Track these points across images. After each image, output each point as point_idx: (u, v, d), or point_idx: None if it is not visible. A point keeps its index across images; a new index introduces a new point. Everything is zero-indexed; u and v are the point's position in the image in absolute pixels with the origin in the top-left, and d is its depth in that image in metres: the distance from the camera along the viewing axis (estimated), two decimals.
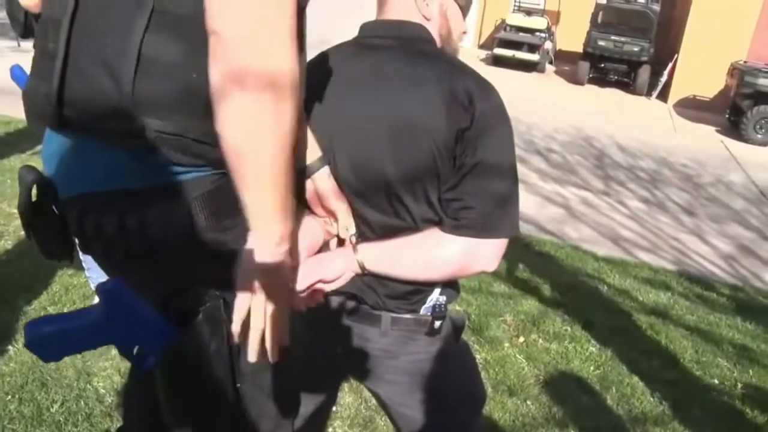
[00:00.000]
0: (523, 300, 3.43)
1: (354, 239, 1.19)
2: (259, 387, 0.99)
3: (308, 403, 1.41)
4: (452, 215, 1.14)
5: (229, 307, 0.90)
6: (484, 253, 1.16)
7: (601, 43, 12.57)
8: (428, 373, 1.29)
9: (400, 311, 1.25)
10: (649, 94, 12.73)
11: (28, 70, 1.01)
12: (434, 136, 1.11)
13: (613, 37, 12.51)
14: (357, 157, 1.16)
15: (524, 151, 7.23)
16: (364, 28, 1.25)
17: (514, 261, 3.96)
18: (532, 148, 7.58)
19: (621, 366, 2.88)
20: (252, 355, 0.89)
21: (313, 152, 1.13)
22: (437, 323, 1.26)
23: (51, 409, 2.10)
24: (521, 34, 13.43)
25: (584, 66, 12.88)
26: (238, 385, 0.95)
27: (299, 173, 1.11)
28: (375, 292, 1.23)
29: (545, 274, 3.89)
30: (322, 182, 1.14)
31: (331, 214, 1.18)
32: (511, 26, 13.58)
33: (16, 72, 1.24)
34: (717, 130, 10.51)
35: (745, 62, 10.71)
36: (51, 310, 2.60)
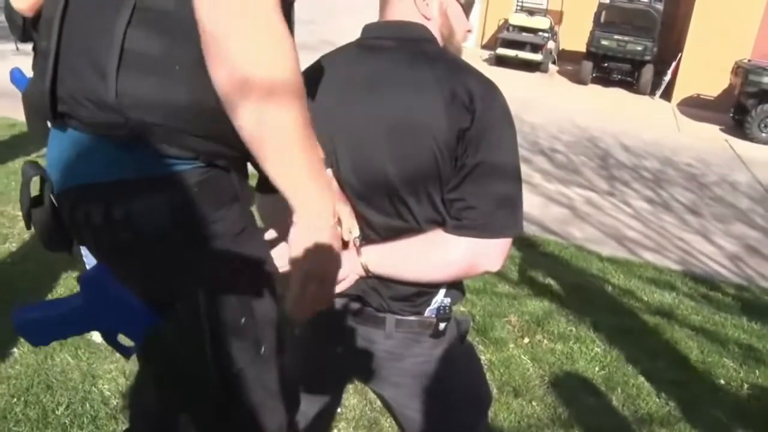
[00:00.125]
0: (527, 300, 3.42)
1: (357, 242, 1.19)
2: (261, 385, 0.99)
3: (312, 405, 1.41)
4: (455, 216, 1.14)
5: (210, 297, 0.92)
6: (488, 254, 1.16)
7: (605, 42, 12.54)
8: (433, 375, 1.29)
9: (404, 313, 1.24)
10: (652, 93, 12.70)
11: (27, 73, 1.02)
12: (435, 136, 1.10)
13: (616, 37, 12.48)
14: (359, 159, 1.16)
15: (528, 152, 7.23)
16: (367, 29, 1.25)
17: (518, 261, 3.95)
18: (536, 149, 7.57)
19: (626, 366, 2.87)
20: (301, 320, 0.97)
21: None
22: (442, 325, 1.26)
23: (56, 412, 2.10)
24: (524, 33, 13.41)
25: (587, 65, 12.85)
26: (235, 371, 0.95)
27: None
28: (379, 294, 1.23)
29: (550, 274, 3.88)
30: None
31: None
32: (514, 26, 13.57)
33: (15, 75, 1.24)
34: (721, 129, 10.49)
35: (749, 61, 10.67)
36: None
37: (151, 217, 0.88)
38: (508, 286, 3.58)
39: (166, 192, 0.88)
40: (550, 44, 13.48)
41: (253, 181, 1.07)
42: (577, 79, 13.06)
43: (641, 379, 2.77)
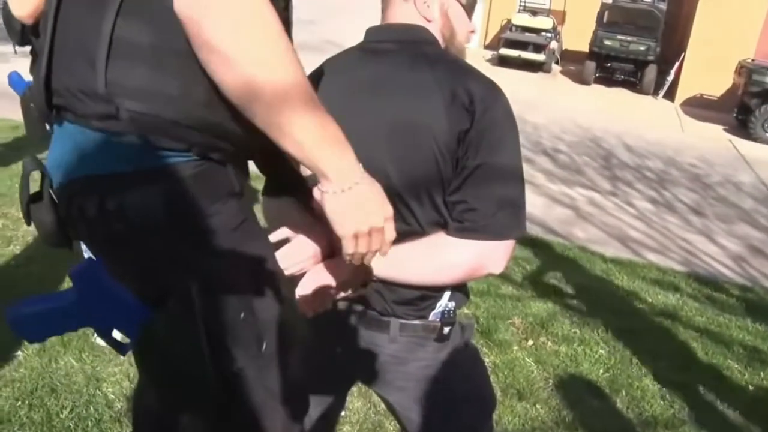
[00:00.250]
0: (531, 302, 3.42)
1: None
2: (262, 385, 0.99)
3: (316, 408, 1.40)
4: (457, 218, 1.14)
5: (206, 293, 0.90)
6: (491, 256, 1.16)
7: (608, 42, 12.53)
8: (437, 380, 1.29)
9: (408, 317, 1.24)
10: (656, 93, 12.69)
11: (26, 76, 1.03)
12: (436, 137, 1.10)
13: (619, 37, 12.47)
14: (361, 162, 1.16)
15: (531, 152, 7.22)
16: (369, 32, 1.25)
17: (521, 263, 3.95)
18: (539, 149, 7.57)
19: (630, 368, 2.86)
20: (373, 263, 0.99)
21: None
22: (446, 329, 1.26)
23: (61, 415, 2.10)
24: (527, 34, 13.40)
25: (590, 66, 12.84)
26: (236, 369, 0.94)
27: (306, 180, 1.11)
28: (383, 298, 1.23)
29: (553, 275, 3.88)
30: None
31: None
32: (517, 26, 13.56)
33: (13, 78, 1.24)
34: (725, 129, 10.47)
35: (752, 60, 10.66)
36: None
37: (144, 209, 0.87)
38: (512, 288, 3.58)
39: (159, 184, 0.88)
40: (553, 44, 13.46)
41: (255, 183, 1.07)
42: (580, 79, 13.04)
43: (646, 381, 2.77)
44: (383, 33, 1.24)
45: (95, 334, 2.48)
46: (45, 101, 0.90)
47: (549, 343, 3.00)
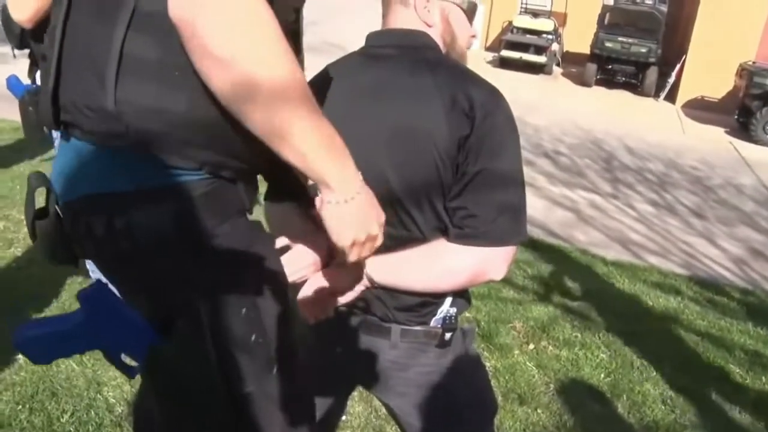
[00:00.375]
0: (532, 306, 3.42)
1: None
2: (272, 405, 0.98)
3: (317, 412, 1.40)
4: (457, 224, 1.14)
5: (216, 314, 0.89)
6: (492, 262, 1.16)
7: (609, 44, 12.52)
8: (438, 385, 1.29)
9: (410, 323, 1.24)
10: (657, 95, 12.67)
11: (24, 80, 1.02)
12: (436, 143, 1.10)
13: (620, 39, 12.46)
14: (362, 168, 1.15)
15: (532, 154, 7.21)
16: (369, 37, 1.25)
17: (523, 266, 3.94)
18: (540, 151, 7.56)
19: (632, 373, 2.86)
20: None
21: None
22: (448, 335, 1.26)
23: (61, 419, 2.10)
24: (528, 36, 13.39)
25: (591, 68, 12.83)
26: (246, 391, 0.93)
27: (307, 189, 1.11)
28: (384, 304, 1.23)
29: (554, 279, 3.87)
30: None
31: None
32: (518, 28, 13.55)
33: (12, 81, 1.24)
34: (726, 132, 10.47)
35: (753, 63, 10.66)
36: None
37: (153, 228, 0.86)
38: (513, 292, 3.57)
39: (168, 203, 0.86)
40: (554, 46, 13.45)
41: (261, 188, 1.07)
42: (581, 81, 13.03)
43: (647, 385, 2.76)
44: (384, 38, 1.24)
45: None
46: (53, 117, 0.88)
47: (550, 347, 2.99)
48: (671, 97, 12.51)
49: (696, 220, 5.92)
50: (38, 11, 0.96)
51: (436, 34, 1.22)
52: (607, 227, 5.33)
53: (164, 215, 0.87)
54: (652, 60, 12.50)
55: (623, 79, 13.06)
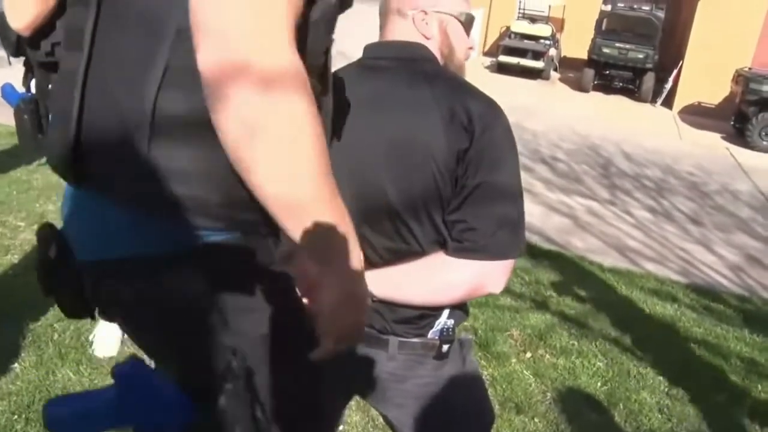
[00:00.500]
0: (529, 313, 3.42)
1: None
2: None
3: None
4: (456, 237, 1.14)
5: (252, 382, 0.84)
6: (490, 276, 1.16)
7: (606, 50, 12.57)
8: (436, 397, 1.29)
9: (407, 335, 1.24)
10: (653, 101, 12.73)
11: (19, 87, 1.00)
12: (434, 156, 1.11)
13: (617, 44, 12.52)
14: (360, 180, 1.16)
15: (529, 160, 7.22)
16: (367, 49, 1.26)
17: (519, 273, 3.94)
18: (537, 157, 7.57)
19: (628, 381, 2.86)
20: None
21: None
22: (445, 347, 1.26)
23: None
24: (526, 41, 13.44)
25: (589, 73, 12.88)
26: None
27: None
28: (382, 316, 1.23)
29: (551, 286, 3.87)
30: None
31: None
32: (516, 33, 13.61)
33: (6, 90, 1.23)
34: (722, 137, 10.51)
35: (749, 69, 10.70)
36: (57, 327, 2.60)
37: (183, 294, 0.81)
38: (510, 299, 3.57)
39: (198, 267, 0.81)
40: (552, 52, 13.51)
41: None
42: (579, 86, 13.08)
43: (643, 394, 2.76)
44: (382, 50, 1.24)
45: (92, 346, 2.48)
46: (73, 169, 0.81)
47: (547, 356, 2.99)
48: (668, 103, 12.56)
49: (693, 226, 5.93)
50: (37, 18, 0.94)
51: (434, 47, 1.22)
52: (605, 234, 5.34)
53: (195, 280, 0.81)
54: (649, 66, 12.56)
55: (620, 84, 13.12)
